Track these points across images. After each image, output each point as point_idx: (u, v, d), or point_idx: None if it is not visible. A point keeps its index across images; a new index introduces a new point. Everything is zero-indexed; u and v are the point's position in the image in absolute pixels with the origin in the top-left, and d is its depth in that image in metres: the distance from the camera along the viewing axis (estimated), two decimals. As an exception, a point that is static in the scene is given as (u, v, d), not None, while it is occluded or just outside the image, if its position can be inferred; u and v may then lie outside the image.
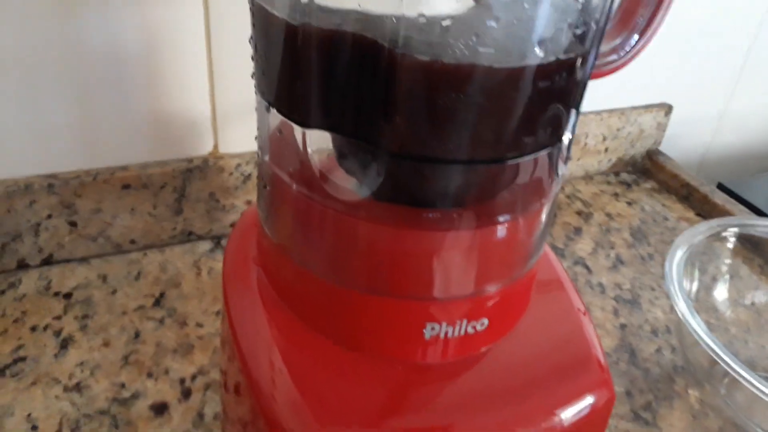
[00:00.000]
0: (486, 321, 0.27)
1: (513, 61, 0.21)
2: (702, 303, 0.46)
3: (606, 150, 0.64)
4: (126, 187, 0.46)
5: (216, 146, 0.49)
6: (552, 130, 0.24)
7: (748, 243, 0.47)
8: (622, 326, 0.47)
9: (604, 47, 0.29)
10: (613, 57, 0.29)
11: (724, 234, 0.46)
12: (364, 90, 0.22)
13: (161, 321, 0.43)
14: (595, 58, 0.25)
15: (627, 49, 0.28)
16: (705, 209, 0.61)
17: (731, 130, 0.73)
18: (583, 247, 0.55)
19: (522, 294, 0.29)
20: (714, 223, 0.46)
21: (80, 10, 0.40)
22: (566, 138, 0.26)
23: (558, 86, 0.22)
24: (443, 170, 0.23)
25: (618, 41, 0.28)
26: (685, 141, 0.70)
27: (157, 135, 0.46)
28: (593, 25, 0.23)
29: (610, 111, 0.62)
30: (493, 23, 0.20)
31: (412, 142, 0.22)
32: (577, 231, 0.57)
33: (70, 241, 0.47)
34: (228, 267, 0.32)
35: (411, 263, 0.25)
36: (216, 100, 0.46)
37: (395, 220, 0.25)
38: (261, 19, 0.24)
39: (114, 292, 0.45)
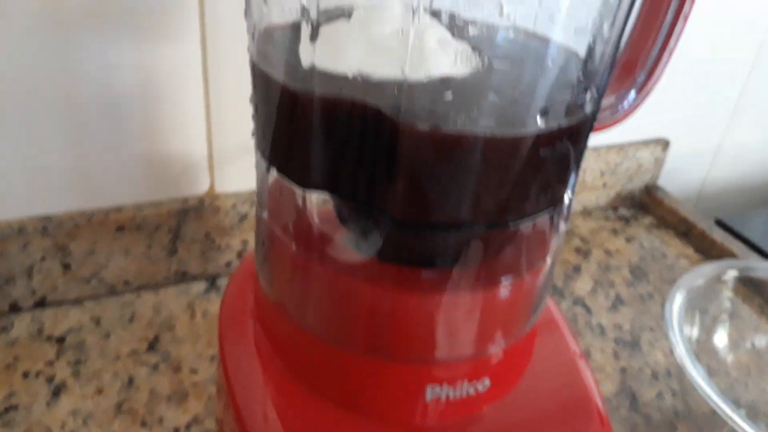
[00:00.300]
0: (488, 381, 0.26)
1: (514, 131, 0.21)
2: (703, 346, 0.45)
3: (604, 185, 0.64)
4: (120, 228, 0.46)
5: (212, 185, 0.48)
6: (552, 192, 0.23)
7: (748, 285, 0.46)
8: (623, 370, 0.46)
9: (603, 102, 0.28)
10: (612, 112, 0.29)
11: (724, 277, 0.46)
12: (364, 155, 0.22)
13: (155, 366, 0.42)
14: (594, 119, 0.25)
15: (625, 105, 0.28)
16: (704, 246, 0.61)
17: (728, 163, 0.73)
18: (583, 286, 0.55)
19: (524, 351, 0.29)
20: (714, 266, 0.45)
21: (77, 50, 0.40)
22: (566, 197, 0.25)
23: (558, 152, 0.22)
24: (444, 233, 0.23)
25: (616, 98, 0.28)
26: (682, 175, 0.70)
27: (153, 175, 0.46)
28: (594, 92, 0.23)
29: (608, 147, 0.62)
30: (494, 96, 0.20)
31: (413, 208, 0.22)
32: (576, 269, 0.57)
33: (63, 283, 0.46)
34: (224, 318, 0.31)
35: (411, 326, 0.24)
36: (213, 139, 0.46)
37: (396, 281, 0.24)
38: (261, 82, 0.24)
39: (107, 335, 0.45)
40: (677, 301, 0.43)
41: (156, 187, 0.46)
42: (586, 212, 0.65)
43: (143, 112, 0.43)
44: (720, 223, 0.63)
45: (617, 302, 0.54)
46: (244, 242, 0.51)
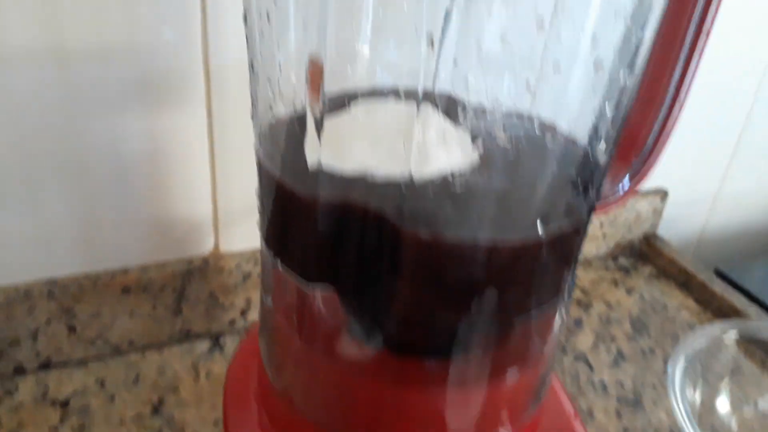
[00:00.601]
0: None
1: (515, 237, 0.21)
2: (706, 408, 0.46)
3: (604, 236, 0.65)
4: (126, 290, 0.46)
5: (217, 245, 0.49)
6: (554, 285, 0.24)
7: (751, 345, 0.47)
8: (625, 430, 0.46)
9: (606, 186, 0.29)
10: (606, 196, 0.29)
11: (726, 337, 0.46)
12: (367, 256, 0.22)
13: (159, 431, 0.42)
14: (592, 212, 0.25)
15: (620, 190, 0.28)
16: (704, 297, 0.61)
17: (727, 210, 0.74)
18: (584, 340, 0.55)
19: (527, 434, 0.29)
20: (715, 327, 0.46)
21: (86, 119, 0.40)
22: (566, 286, 0.26)
23: (559, 250, 0.23)
24: (446, 329, 0.23)
25: (611, 183, 0.28)
26: (681, 223, 0.71)
27: (158, 236, 0.46)
28: (594, 184, 0.24)
29: (607, 198, 0.63)
30: (495, 203, 0.21)
31: (415, 308, 0.22)
32: (578, 323, 0.57)
33: (68, 344, 0.46)
34: (229, 398, 0.32)
35: (415, 418, 0.24)
36: (218, 201, 0.47)
37: (399, 373, 0.25)
38: (266, 180, 0.24)
39: (112, 398, 0.45)
40: (679, 364, 0.43)
41: (161, 249, 0.47)
42: (587, 262, 0.66)
43: (150, 177, 0.44)
44: (720, 274, 0.64)
45: (619, 357, 0.54)
46: (248, 300, 0.51)
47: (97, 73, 0.39)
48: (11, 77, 0.37)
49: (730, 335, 0.46)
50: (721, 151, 0.69)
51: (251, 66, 0.24)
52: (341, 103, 0.24)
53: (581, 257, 0.65)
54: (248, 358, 0.32)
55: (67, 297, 0.44)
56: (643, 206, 0.65)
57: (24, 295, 0.43)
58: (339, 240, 0.22)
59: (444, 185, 0.21)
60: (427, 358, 0.25)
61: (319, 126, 0.21)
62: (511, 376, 0.25)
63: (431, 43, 0.20)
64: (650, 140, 0.29)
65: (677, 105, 0.29)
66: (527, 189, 0.22)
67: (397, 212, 0.21)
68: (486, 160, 0.22)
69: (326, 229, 0.22)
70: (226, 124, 0.44)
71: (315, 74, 0.20)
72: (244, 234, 0.49)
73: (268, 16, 0.21)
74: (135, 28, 0.38)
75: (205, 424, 0.43)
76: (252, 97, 0.25)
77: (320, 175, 0.22)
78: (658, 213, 0.66)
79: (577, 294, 0.61)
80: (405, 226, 0.21)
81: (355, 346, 0.25)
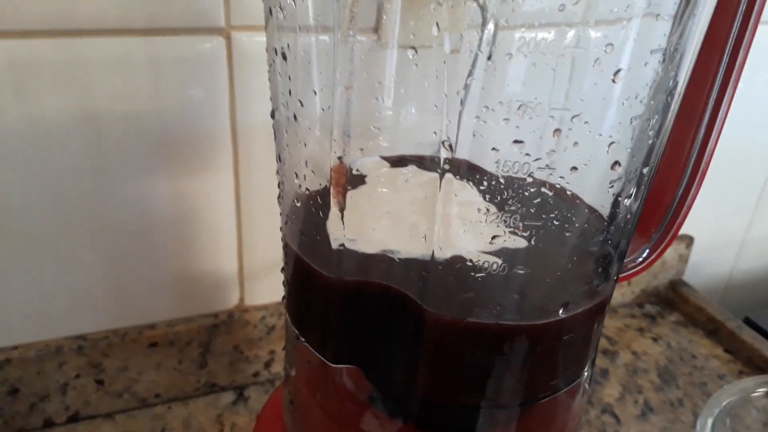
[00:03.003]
0: None
1: (538, 320, 0.21)
2: (737, 467, 0.45)
3: (629, 283, 0.64)
4: (153, 344, 0.47)
5: (242, 299, 0.49)
6: (577, 365, 0.24)
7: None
8: (655, 489, 0.46)
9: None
10: (635, 262, 0.29)
11: (757, 391, 0.45)
12: (390, 338, 0.22)
13: (184, 487, 0.43)
14: (614, 288, 0.25)
15: (638, 260, 0.28)
16: (733, 346, 0.60)
17: (753, 256, 0.73)
18: (611, 392, 0.55)
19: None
20: (747, 381, 0.45)
21: (115, 180, 0.42)
22: (590, 361, 0.26)
23: (582, 330, 0.23)
24: (468, 410, 0.24)
25: (632, 254, 0.29)
26: (708, 268, 0.70)
27: (185, 292, 0.47)
28: (616, 262, 0.24)
29: (631, 246, 0.62)
30: (518, 288, 0.21)
31: (438, 390, 0.22)
32: (604, 373, 0.57)
33: (96, 398, 0.47)
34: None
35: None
36: (243, 258, 0.48)
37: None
38: (291, 259, 0.25)
39: (137, 452, 0.45)
40: (709, 419, 0.43)
41: (188, 304, 0.48)
42: (612, 310, 0.65)
43: (177, 236, 0.45)
44: (749, 322, 0.62)
45: (646, 410, 0.53)
46: (272, 352, 0.51)
47: (126, 136, 0.40)
48: (46, 141, 0.39)
49: (762, 389, 0.45)
50: (747, 195, 0.69)
51: (278, 157, 0.25)
52: (361, 178, 0.25)
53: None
54: (272, 419, 0.33)
55: (96, 352, 0.45)
56: (668, 252, 0.64)
57: (55, 351, 0.44)
58: (360, 319, 0.23)
59: (466, 266, 0.22)
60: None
61: (342, 216, 0.21)
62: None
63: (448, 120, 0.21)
64: (673, 208, 0.29)
65: (700, 171, 0.29)
66: (551, 269, 0.23)
67: (419, 292, 0.21)
68: (508, 240, 0.22)
69: (347, 309, 0.23)
70: (251, 181, 0.45)
71: (339, 174, 0.21)
72: (268, 287, 0.50)
73: (295, 116, 0.22)
74: (162, 93, 0.40)
75: (229, 480, 0.43)
76: (279, 181, 0.26)
77: (342, 257, 0.23)
78: (684, 259, 0.66)
79: (602, 343, 0.60)
80: (426, 306, 0.21)
81: (377, 421, 0.25)
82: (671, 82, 0.19)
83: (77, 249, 0.43)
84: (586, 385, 0.26)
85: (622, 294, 0.65)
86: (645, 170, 0.20)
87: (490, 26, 0.21)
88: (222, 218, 0.45)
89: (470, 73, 0.21)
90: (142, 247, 0.44)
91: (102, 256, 0.44)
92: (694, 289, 0.66)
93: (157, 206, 0.43)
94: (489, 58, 0.20)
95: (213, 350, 0.49)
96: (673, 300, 0.67)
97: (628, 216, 0.22)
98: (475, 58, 0.19)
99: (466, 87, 0.21)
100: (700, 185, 0.28)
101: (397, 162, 0.26)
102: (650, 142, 0.20)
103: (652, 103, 0.19)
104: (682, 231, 0.65)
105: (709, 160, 0.27)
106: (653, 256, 0.28)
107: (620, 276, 0.29)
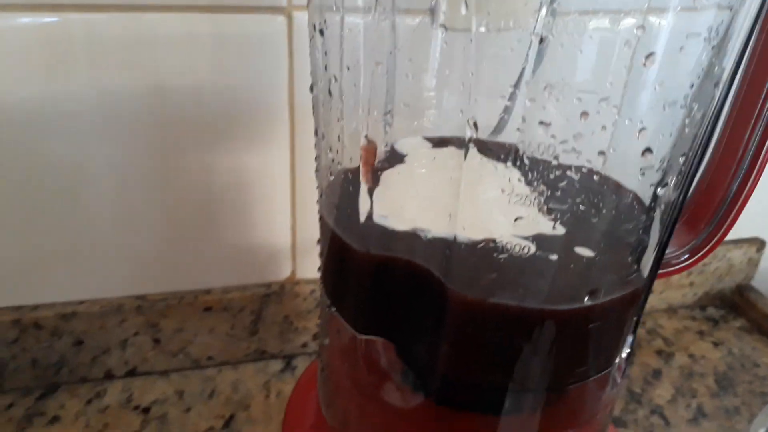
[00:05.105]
0: None
1: (561, 306, 0.21)
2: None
3: (691, 284, 0.62)
4: (208, 309, 0.49)
5: (293, 272, 0.51)
6: (606, 357, 0.24)
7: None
8: (699, 495, 0.44)
9: (669, 249, 0.28)
10: (670, 261, 0.28)
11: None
12: (414, 313, 0.23)
13: (228, 446, 0.45)
14: (654, 277, 0.25)
15: (682, 259, 0.27)
16: (801, 357, 0.57)
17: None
18: (662, 393, 0.53)
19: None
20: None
21: (179, 150, 0.44)
22: (624, 353, 0.25)
23: (611, 321, 0.22)
24: (488, 390, 0.24)
25: (676, 249, 0.28)
26: (781, 274, 0.66)
27: (240, 261, 0.49)
28: (655, 252, 0.23)
29: (697, 245, 0.60)
30: (540, 279, 0.21)
31: (459, 367, 0.23)
32: (657, 374, 0.55)
33: (153, 356, 0.50)
34: (288, 426, 0.33)
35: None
36: (297, 232, 0.49)
37: (446, 425, 0.25)
38: (325, 231, 0.25)
39: (188, 409, 0.48)
40: (762, 428, 0.41)
41: (242, 273, 0.49)
42: (671, 310, 0.63)
43: (235, 207, 0.46)
44: (821, 333, 0.59)
45: (699, 415, 0.51)
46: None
47: (190, 110, 0.42)
48: (116, 111, 0.41)
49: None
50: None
51: (316, 131, 0.25)
52: (401, 157, 0.25)
53: (666, 305, 0.63)
54: (310, 386, 0.34)
55: (154, 312, 0.48)
56: (736, 256, 0.61)
57: (116, 309, 0.47)
58: (387, 293, 0.23)
59: (489, 247, 0.22)
60: (474, 411, 0.25)
61: (371, 194, 0.22)
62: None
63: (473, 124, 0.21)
64: (725, 205, 0.27)
65: (757, 168, 0.27)
66: (577, 254, 0.22)
67: (443, 271, 0.22)
68: (533, 222, 0.22)
69: (375, 282, 0.23)
70: (306, 158, 0.46)
71: (369, 153, 0.21)
72: (318, 263, 0.51)
73: (329, 91, 0.22)
74: (224, 69, 0.41)
75: (270, 444, 0.45)
76: (316, 155, 0.27)
77: (371, 231, 0.23)
78: (753, 264, 0.63)
79: (658, 343, 0.59)
80: (450, 285, 0.21)
81: (399, 393, 0.25)
82: (716, 69, 0.18)
83: (142, 215, 0.45)
84: (618, 377, 0.26)
85: (682, 295, 0.63)
86: (681, 160, 0.20)
87: (542, 11, 0.20)
88: (277, 193, 0.47)
89: (531, 60, 0.20)
90: (202, 216, 0.46)
91: (165, 223, 0.46)
92: (763, 295, 0.63)
93: (218, 178, 0.45)
94: (540, 42, 0.19)
95: (264, 319, 0.51)
96: (739, 305, 0.64)
97: (663, 206, 0.21)
98: (539, 41, 0.19)
99: (527, 70, 0.21)
100: (756, 183, 0.26)
101: (440, 143, 0.26)
102: (687, 130, 0.19)
103: (689, 90, 0.18)
104: (753, 233, 0.62)
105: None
106: (699, 255, 0.27)
107: (664, 272, 0.29)
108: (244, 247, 0.48)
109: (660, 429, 0.50)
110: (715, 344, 0.59)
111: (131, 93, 0.40)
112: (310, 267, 0.51)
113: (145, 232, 0.46)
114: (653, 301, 0.62)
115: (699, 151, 0.20)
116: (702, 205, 0.27)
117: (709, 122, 0.19)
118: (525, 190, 0.20)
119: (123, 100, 0.41)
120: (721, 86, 0.19)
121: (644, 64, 0.17)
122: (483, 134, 0.23)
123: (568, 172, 0.19)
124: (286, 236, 0.49)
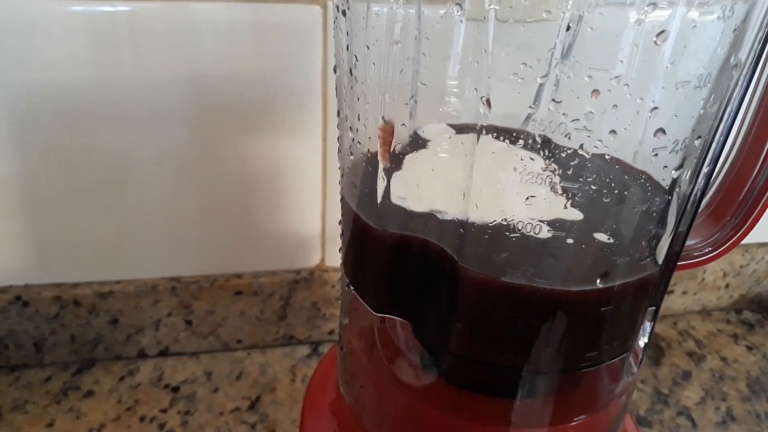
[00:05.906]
0: None
1: (572, 287, 0.21)
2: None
3: (727, 286, 0.61)
4: (238, 293, 0.50)
5: (323, 260, 0.52)
6: (620, 343, 0.24)
7: None
8: (724, 498, 0.43)
9: (692, 241, 0.28)
10: (695, 252, 0.28)
11: None
12: (428, 291, 0.23)
13: (253, 426, 0.46)
14: (674, 267, 0.25)
15: (707, 250, 0.27)
16: (839, 365, 0.55)
17: None
18: (690, 395, 0.52)
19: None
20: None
21: (216, 139, 0.45)
22: (642, 342, 0.25)
23: (625, 305, 0.23)
24: (501, 372, 0.24)
25: (701, 240, 0.27)
26: (822, 280, 0.65)
27: (271, 247, 0.50)
28: (676, 240, 0.23)
29: (733, 247, 0.59)
30: (551, 259, 0.21)
31: (470, 347, 0.23)
32: (686, 375, 0.54)
33: (184, 336, 0.51)
34: (308, 407, 0.34)
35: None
36: (327, 220, 0.50)
37: (458, 406, 0.25)
38: (346, 211, 0.26)
39: (216, 390, 0.49)
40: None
41: (273, 259, 0.50)
42: (705, 312, 0.62)
43: (268, 194, 0.48)
44: None
45: (728, 418, 0.50)
46: (348, 314, 0.54)
47: (228, 97, 0.43)
48: (157, 96, 0.42)
49: None
50: None
51: (338, 112, 0.26)
52: (424, 142, 0.26)
53: (700, 306, 0.62)
54: (331, 366, 0.34)
55: (187, 294, 0.49)
56: (775, 258, 0.60)
57: (151, 289, 0.49)
58: (402, 272, 0.24)
59: (501, 225, 0.22)
60: (487, 394, 0.25)
61: (389, 176, 0.22)
62: (577, 423, 0.25)
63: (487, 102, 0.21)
64: (751, 199, 0.27)
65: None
66: (589, 235, 0.22)
67: (457, 250, 0.22)
68: (545, 202, 0.22)
69: (391, 261, 0.24)
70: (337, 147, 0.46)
71: (386, 133, 0.22)
72: (349, 251, 0.52)
73: (350, 71, 0.23)
74: (262, 57, 0.42)
75: (295, 425, 0.46)
76: (338, 135, 0.27)
77: (389, 211, 0.24)
78: (793, 267, 0.61)
79: (689, 345, 0.58)
80: (463, 264, 0.22)
81: (412, 371, 0.26)
82: (733, 50, 0.18)
83: (178, 198, 0.47)
84: (634, 365, 0.26)
85: (717, 297, 0.61)
86: (698, 143, 0.20)
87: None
88: (309, 181, 0.48)
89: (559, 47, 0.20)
90: (236, 201, 0.48)
91: (200, 207, 0.47)
92: (802, 301, 0.61)
93: (252, 166, 0.46)
94: (568, 29, 0.20)
95: (293, 304, 0.52)
96: (777, 310, 0.62)
97: (678, 190, 0.21)
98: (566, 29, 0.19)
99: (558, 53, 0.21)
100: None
101: (462, 129, 0.27)
102: (701, 112, 0.19)
103: (703, 70, 0.18)
104: (794, 236, 0.61)
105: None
106: (722, 248, 0.27)
107: (685, 263, 0.28)
108: (276, 234, 0.49)
109: (686, 430, 0.49)
110: (749, 348, 0.58)
111: (173, 81, 0.42)
112: (339, 255, 0.52)
113: (182, 217, 0.47)
114: (686, 302, 0.61)
115: (719, 137, 0.20)
116: (727, 197, 0.27)
117: (727, 106, 0.19)
118: (537, 168, 0.20)
119: (165, 88, 0.42)
120: (741, 69, 0.19)
121: (656, 43, 0.17)
122: (514, 124, 0.23)
123: (580, 152, 0.19)
124: (317, 224, 0.50)
